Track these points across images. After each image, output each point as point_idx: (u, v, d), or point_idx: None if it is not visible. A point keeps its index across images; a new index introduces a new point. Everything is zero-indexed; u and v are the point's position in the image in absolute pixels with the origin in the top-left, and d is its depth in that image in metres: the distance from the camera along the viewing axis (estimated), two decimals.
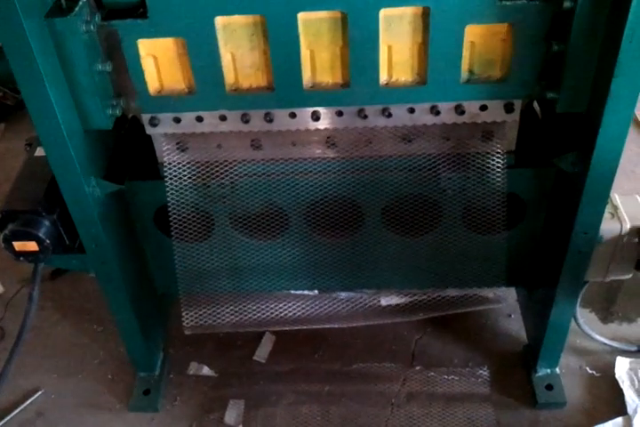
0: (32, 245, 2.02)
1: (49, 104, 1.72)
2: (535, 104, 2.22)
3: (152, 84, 1.86)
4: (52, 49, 1.70)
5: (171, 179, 2.06)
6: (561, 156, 1.94)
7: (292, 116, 1.91)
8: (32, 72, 1.65)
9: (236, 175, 2.09)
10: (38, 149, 2.24)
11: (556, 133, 2.09)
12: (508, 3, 1.67)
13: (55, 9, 1.67)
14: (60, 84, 1.75)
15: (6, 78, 1.79)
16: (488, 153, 2.02)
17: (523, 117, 1.94)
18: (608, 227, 2.09)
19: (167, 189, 2.07)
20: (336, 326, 2.64)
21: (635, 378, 2.52)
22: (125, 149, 2.17)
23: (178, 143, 2.03)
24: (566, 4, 1.63)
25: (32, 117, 1.77)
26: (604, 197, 1.94)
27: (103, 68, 1.80)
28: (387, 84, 1.85)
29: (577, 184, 1.92)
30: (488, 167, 2.03)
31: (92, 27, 1.72)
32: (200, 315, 2.43)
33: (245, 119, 1.91)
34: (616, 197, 2.16)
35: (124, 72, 1.83)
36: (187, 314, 2.40)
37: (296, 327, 2.63)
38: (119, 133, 1.97)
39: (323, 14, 1.72)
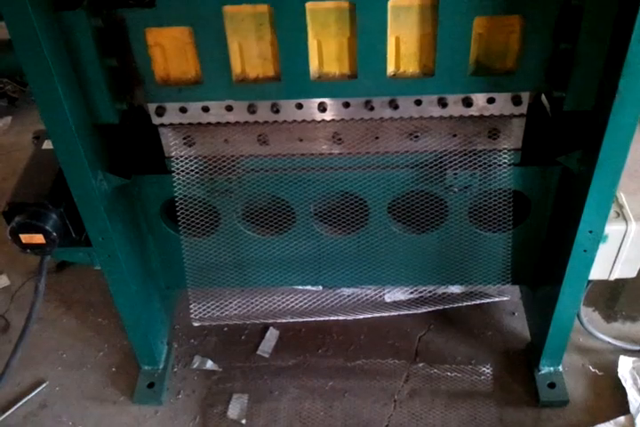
0: (39, 238, 2.03)
1: (57, 98, 1.73)
2: (544, 102, 2.22)
3: (159, 74, 1.86)
4: (61, 42, 1.70)
5: (178, 173, 2.07)
6: (567, 154, 1.94)
7: (299, 106, 1.91)
8: (40, 65, 1.66)
9: (243, 170, 2.09)
10: (46, 141, 2.25)
11: (563, 132, 2.08)
12: None
13: (63, 2, 1.67)
14: (68, 78, 1.75)
15: (13, 71, 1.80)
16: (494, 150, 2.02)
17: (529, 115, 1.94)
18: (613, 226, 2.09)
19: (174, 183, 2.08)
20: (341, 318, 2.65)
21: (637, 377, 2.52)
22: (131, 141, 2.18)
23: (185, 138, 2.04)
24: (574, 1, 1.64)
25: (40, 111, 1.77)
26: (609, 196, 1.93)
27: (111, 62, 1.80)
28: (394, 75, 1.85)
29: (583, 183, 1.92)
30: (494, 165, 2.03)
31: (100, 20, 1.73)
32: (207, 307, 2.44)
33: (252, 110, 1.91)
34: (622, 195, 2.16)
35: (132, 63, 1.83)
36: (194, 306, 2.41)
37: (302, 319, 2.64)
38: (125, 125, 1.97)
39: (330, 4, 1.71)
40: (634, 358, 2.59)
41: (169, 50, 1.81)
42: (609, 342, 2.61)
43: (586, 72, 1.75)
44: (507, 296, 2.64)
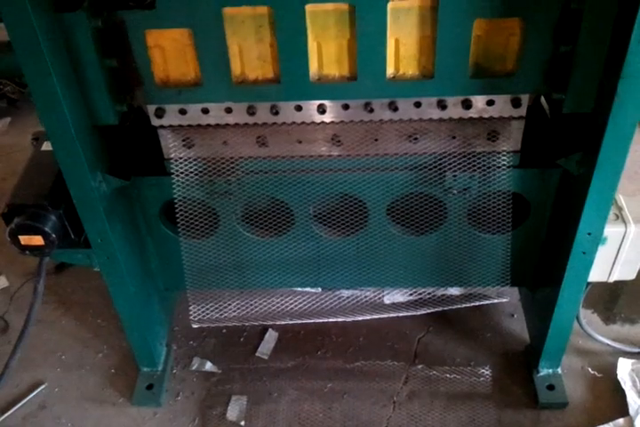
0: (38, 240, 2.03)
1: (56, 99, 1.73)
2: (543, 104, 2.22)
3: (158, 75, 1.86)
4: (61, 43, 1.71)
5: (177, 175, 2.07)
6: (566, 156, 1.94)
7: (298, 108, 1.91)
8: (40, 67, 1.66)
9: (242, 172, 2.09)
10: (45, 143, 2.25)
11: (562, 134, 2.09)
12: None
13: (64, 3, 1.68)
14: (67, 79, 1.75)
15: (12, 72, 1.80)
16: (493, 152, 2.02)
17: (528, 117, 1.94)
18: (612, 228, 2.09)
19: (174, 185, 2.08)
20: (340, 319, 2.65)
21: (637, 379, 2.52)
22: (131, 143, 2.18)
23: (184, 139, 2.03)
24: (574, 4, 1.64)
25: (39, 112, 1.77)
26: (608, 199, 1.94)
27: (111, 63, 1.80)
28: (393, 77, 1.85)
29: (582, 185, 1.92)
30: (493, 167, 2.03)
31: (99, 21, 1.73)
32: (206, 309, 2.44)
33: (251, 111, 1.91)
34: (621, 198, 2.16)
35: (132, 65, 1.83)
36: (193, 308, 2.41)
37: (301, 321, 2.64)
38: (124, 127, 1.97)
39: (330, 6, 1.72)
40: (633, 361, 2.59)
41: (169, 51, 1.82)
42: (608, 345, 2.61)
43: (585, 74, 1.75)
44: (506, 298, 2.65)
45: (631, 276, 2.26)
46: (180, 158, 2.05)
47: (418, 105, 1.89)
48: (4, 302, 3.05)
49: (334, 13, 1.73)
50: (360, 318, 2.72)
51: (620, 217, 2.12)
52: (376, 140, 2.02)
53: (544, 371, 2.53)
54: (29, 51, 1.63)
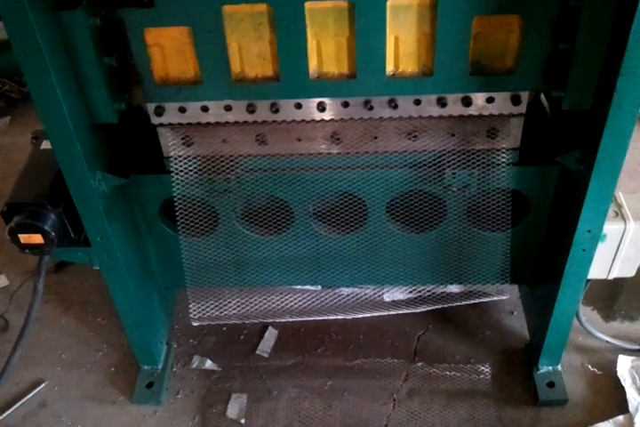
0: (37, 238, 2.03)
1: (56, 97, 1.72)
2: (543, 101, 2.22)
3: (158, 74, 1.86)
4: (59, 42, 1.70)
5: (176, 173, 2.07)
6: (566, 153, 1.94)
7: (298, 106, 1.92)
8: (39, 65, 1.66)
9: (242, 170, 2.09)
10: (44, 141, 2.25)
11: (562, 131, 2.09)
12: None
13: (62, 2, 1.67)
14: (66, 78, 1.75)
15: (12, 71, 1.80)
16: (493, 150, 2.02)
17: (528, 114, 1.94)
18: (612, 225, 2.09)
19: (173, 183, 2.08)
20: (340, 317, 2.65)
21: (636, 376, 2.52)
22: (130, 141, 2.18)
23: (184, 138, 2.04)
24: (573, 1, 1.64)
25: (39, 111, 1.77)
26: (608, 196, 1.93)
27: (110, 62, 1.80)
28: (393, 75, 1.85)
29: (581, 182, 1.92)
30: (492, 164, 2.03)
31: (98, 20, 1.72)
32: (206, 307, 2.44)
33: (251, 109, 1.91)
34: (620, 195, 2.16)
35: (131, 63, 1.83)
36: (193, 306, 2.42)
37: (301, 319, 2.64)
38: (124, 125, 1.97)
39: (329, 4, 1.72)
40: (632, 357, 2.60)
41: (168, 50, 1.82)
42: (608, 342, 2.61)
43: (584, 71, 1.75)
44: (506, 295, 2.65)
45: (631, 273, 2.26)
46: (180, 156, 2.05)
47: (417, 102, 1.89)
48: (3, 301, 3.05)
49: (333, 11, 1.73)
50: (360, 316, 2.73)
51: (620, 214, 2.12)
52: (375, 137, 2.02)
53: (544, 368, 2.53)
54: (28, 49, 1.63)
